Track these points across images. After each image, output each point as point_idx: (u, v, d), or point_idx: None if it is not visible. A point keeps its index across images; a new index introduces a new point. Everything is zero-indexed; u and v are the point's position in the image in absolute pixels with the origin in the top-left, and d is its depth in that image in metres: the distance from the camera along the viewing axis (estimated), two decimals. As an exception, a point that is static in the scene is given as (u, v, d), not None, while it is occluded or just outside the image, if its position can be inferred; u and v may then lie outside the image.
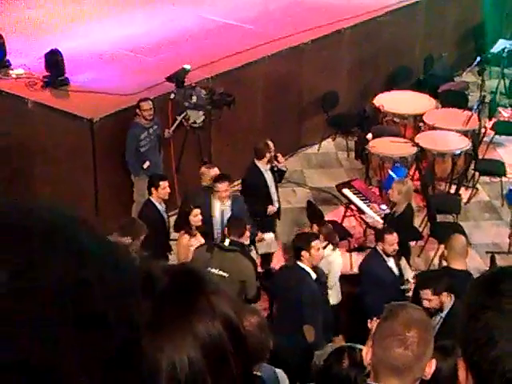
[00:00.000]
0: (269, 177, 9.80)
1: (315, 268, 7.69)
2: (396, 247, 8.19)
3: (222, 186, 8.94)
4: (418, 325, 3.08)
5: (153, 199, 8.94)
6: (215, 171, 9.28)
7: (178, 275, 1.38)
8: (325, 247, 8.45)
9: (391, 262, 8.24)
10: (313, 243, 7.66)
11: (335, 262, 8.51)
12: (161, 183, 8.90)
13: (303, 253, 7.58)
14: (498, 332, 1.46)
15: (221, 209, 9.05)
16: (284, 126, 11.88)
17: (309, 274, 7.57)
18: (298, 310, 7.40)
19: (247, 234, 8.45)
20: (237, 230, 8.15)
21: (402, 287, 8.03)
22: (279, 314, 7.93)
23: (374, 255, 8.40)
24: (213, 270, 7.75)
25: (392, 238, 8.15)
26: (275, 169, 9.87)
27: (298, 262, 7.65)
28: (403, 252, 8.66)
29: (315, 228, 8.68)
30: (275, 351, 4.75)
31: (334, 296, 8.51)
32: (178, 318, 1.32)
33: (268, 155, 9.70)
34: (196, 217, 8.52)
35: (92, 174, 10.08)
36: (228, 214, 8.97)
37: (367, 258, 8.60)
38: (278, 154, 9.94)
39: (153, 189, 8.93)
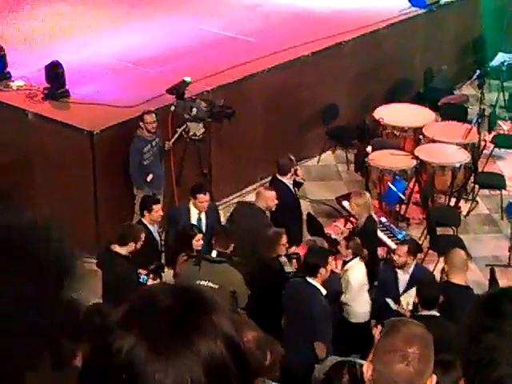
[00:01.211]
0: (293, 191, 9.91)
1: (325, 282, 7.67)
2: (401, 260, 8.25)
3: (205, 197, 9.12)
4: (420, 341, 3.07)
5: (144, 221, 8.94)
6: (272, 194, 9.30)
7: (181, 296, 1.39)
8: (348, 261, 8.50)
9: (403, 277, 8.31)
10: (329, 259, 7.67)
11: (355, 275, 8.49)
12: (154, 207, 8.92)
13: (321, 270, 7.50)
14: (499, 354, 1.46)
15: (198, 217, 9.19)
16: (284, 139, 11.89)
17: (319, 290, 7.51)
18: (309, 325, 7.33)
19: (286, 244, 8.49)
20: (223, 241, 8.20)
21: (390, 303, 8.06)
22: (289, 328, 7.87)
23: (387, 265, 8.64)
24: (202, 283, 7.75)
25: (399, 249, 8.35)
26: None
27: (308, 279, 7.54)
28: (371, 263, 8.76)
29: (343, 243, 8.65)
30: (284, 365, 4.75)
31: (359, 313, 8.50)
32: (181, 339, 1.33)
33: (292, 170, 9.79)
34: (198, 241, 8.55)
35: (92, 186, 10.09)
36: (204, 222, 9.19)
37: (382, 267, 8.67)
38: (297, 167, 10.02)
39: (145, 211, 8.94)
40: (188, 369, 1.32)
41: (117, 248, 8.09)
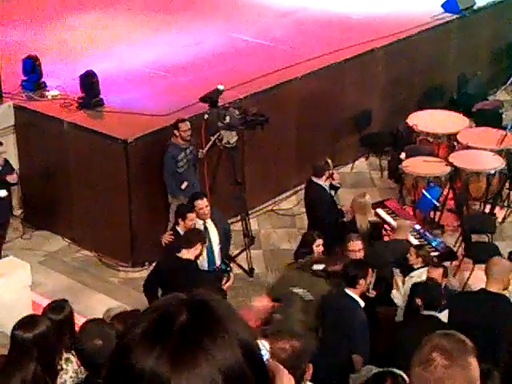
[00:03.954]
0: (329, 193, 9.93)
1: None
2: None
3: (202, 203, 9.00)
4: (450, 351, 3.06)
5: (179, 229, 8.97)
6: (408, 223, 9.38)
7: (195, 307, 1.44)
8: (416, 269, 8.45)
9: None
10: (369, 271, 7.67)
11: None
12: (188, 215, 8.88)
13: (361, 281, 7.46)
14: None
15: (204, 227, 9.09)
16: (317, 146, 11.88)
17: (358, 303, 7.44)
18: (347, 337, 7.27)
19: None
20: (332, 261, 8.12)
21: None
22: (326, 339, 7.80)
23: None
24: (299, 290, 7.74)
25: (435, 272, 8.14)
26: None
27: (347, 291, 7.47)
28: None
29: (413, 251, 8.59)
30: (320, 376, 4.71)
31: None
32: (198, 349, 1.39)
33: (327, 173, 9.80)
34: (318, 246, 8.51)
35: (126, 194, 10.14)
36: (213, 230, 9.10)
37: None
38: (333, 171, 10.03)
39: (180, 219, 8.97)
40: (208, 377, 1.36)
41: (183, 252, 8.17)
